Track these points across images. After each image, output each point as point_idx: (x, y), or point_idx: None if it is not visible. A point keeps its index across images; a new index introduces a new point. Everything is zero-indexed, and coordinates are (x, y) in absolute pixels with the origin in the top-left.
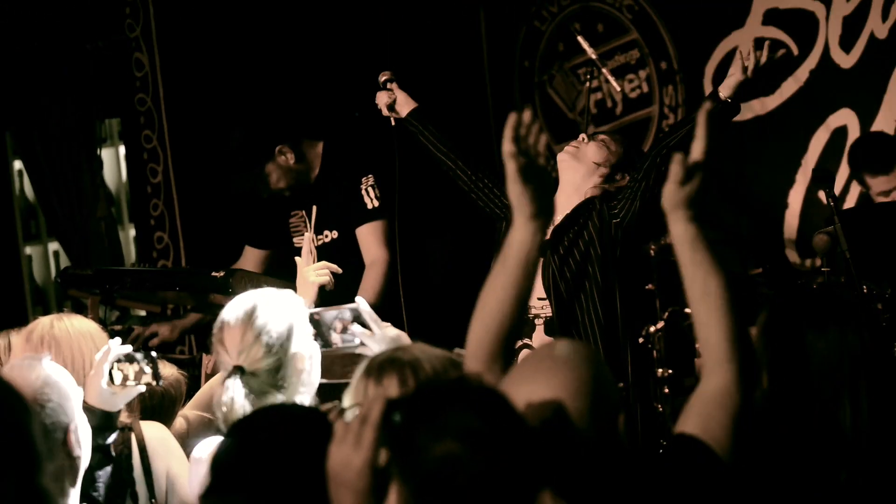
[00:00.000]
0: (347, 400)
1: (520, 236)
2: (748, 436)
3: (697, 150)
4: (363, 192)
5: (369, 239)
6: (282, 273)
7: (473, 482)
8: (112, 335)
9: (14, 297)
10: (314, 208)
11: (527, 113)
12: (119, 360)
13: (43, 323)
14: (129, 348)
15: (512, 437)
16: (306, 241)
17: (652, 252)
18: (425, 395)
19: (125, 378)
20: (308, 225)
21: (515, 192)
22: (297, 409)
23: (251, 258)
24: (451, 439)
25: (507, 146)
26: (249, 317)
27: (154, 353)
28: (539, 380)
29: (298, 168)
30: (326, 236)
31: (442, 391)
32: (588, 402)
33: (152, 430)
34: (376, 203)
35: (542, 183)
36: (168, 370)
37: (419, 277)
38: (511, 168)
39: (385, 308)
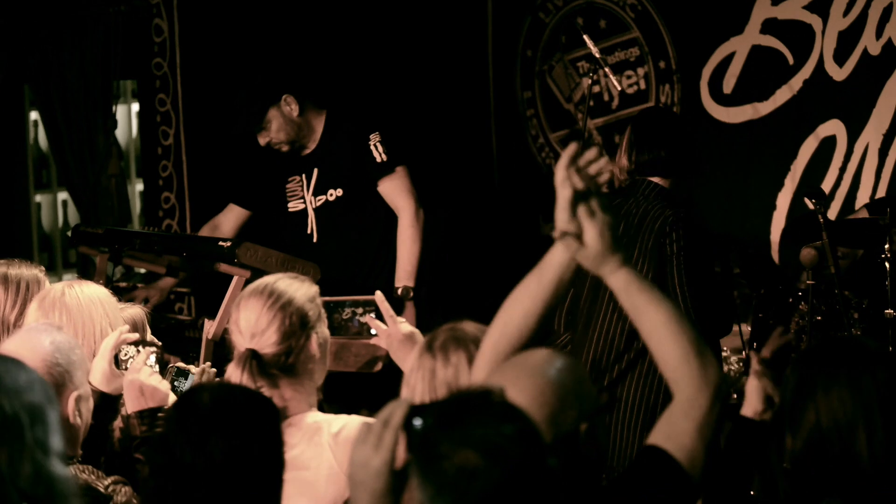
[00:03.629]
0: (408, 384)
1: (560, 258)
2: (716, 445)
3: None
4: (372, 147)
5: (391, 192)
6: (259, 238)
7: (487, 493)
8: (116, 292)
9: (21, 243)
10: (315, 171)
11: (593, 150)
12: (127, 347)
13: (55, 290)
14: (136, 336)
15: (528, 453)
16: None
17: None
18: (452, 403)
19: (130, 364)
20: (306, 189)
21: (562, 219)
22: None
23: (231, 216)
24: (471, 449)
25: (561, 173)
26: (265, 302)
27: (159, 343)
28: (507, 381)
29: (299, 123)
30: (331, 195)
31: (469, 402)
32: (546, 410)
33: None
34: (385, 157)
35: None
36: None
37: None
38: (563, 195)
39: (427, 255)
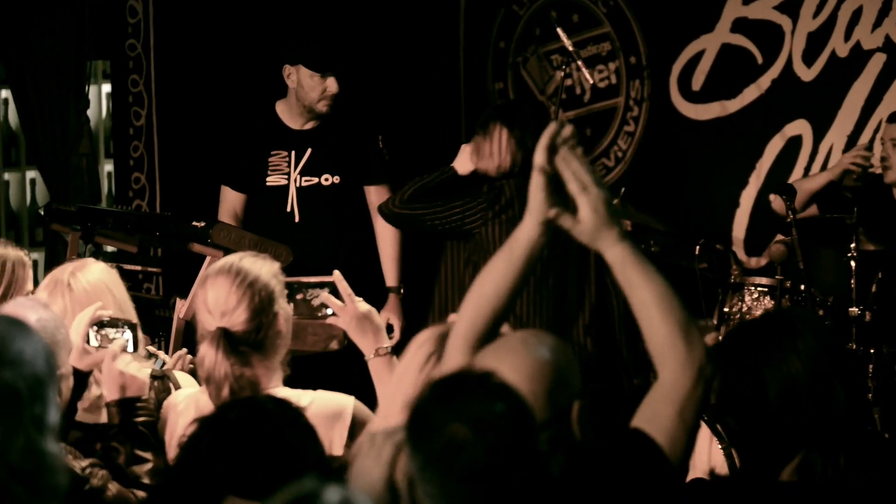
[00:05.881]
0: (415, 364)
1: (529, 235)
2: (695, 431)
3: (573, 183)
4: (382, 149)
5: (379, 195)
6: (255, 222)
7: (473, 467)
8: None
9: None
10: (308, 150)
11: (568, 127)
12: (101, 324)
13: (63, 271)
14: (111, 312)
15: (517, 432)
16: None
17: None
18: (451, 380)
19: (103, 342)
20: (292, 166)
21: (537, 199)
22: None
23: (230, 202)
24: (461, 423)
25: (541, 156)
26: (233, 280)
27: (136, 321)
28: (501, 360)
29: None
30: (325, 180)
31: (467, 379)
32: (543, 385)
33: None
34: (387, 160)
35: (565, 197)
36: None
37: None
38: (539, 179)
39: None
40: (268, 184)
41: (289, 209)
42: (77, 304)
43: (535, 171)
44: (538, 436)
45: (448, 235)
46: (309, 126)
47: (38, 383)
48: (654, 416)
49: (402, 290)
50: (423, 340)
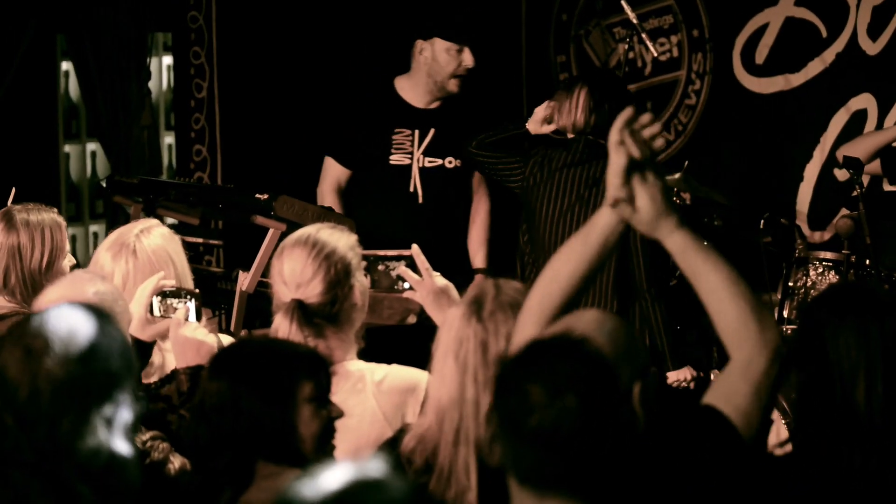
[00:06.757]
0: (458, 357)
1: (607, 220)
2: (772, 409)
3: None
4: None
5: (481, 179)
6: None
7: (541, 429)
8: None
9: (49, 193)
10: (432, 131)
11: (647, 115)
12: (164, 294)
13: (129, 234)
14: (174, 283)
15: (594, 398)
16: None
17: None
18: (545, 341)
19: (167, 311)
20: (416, 146)
21: (613, 184)
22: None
23: (334, 175)
24: (538, 384)
25: (615, 137)
26: (310, 252)
27: (197, 292)
28: (579, 325)
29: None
30: (449, 162)
31: (559, 342)
32: (621, 352)
33: None
34: None
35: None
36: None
37: None
38: (616, 161)
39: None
40: (391, 162)
41: (412, 189)
42: (139, 272)
43: (610, 153)
44: (621, 406)
45: (504, 185)
46: (434, 106)
47: (110, 381)
48: (730, 393)
49: (489, 273)
50: (455, 312)
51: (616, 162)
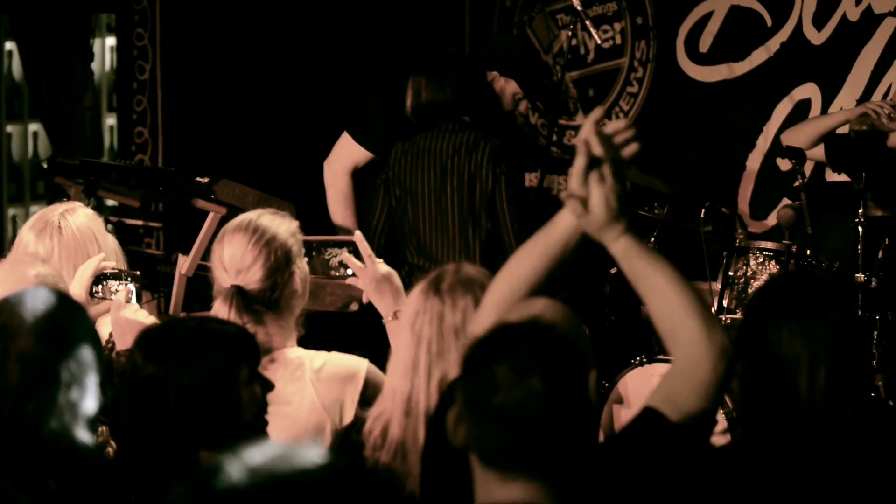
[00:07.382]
0: (413, 327)
1: (569, 222)
2: (715, 410)
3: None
4: None
5: None
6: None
7: (505, 408)
8: None
9: None
10: None
11: (622, 121)
12: (105, 276)
13: (53, 212)
14: (113, 264)
15: (558, 380)
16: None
17: None
18: (513, 324)
19: (106, 293)
20: None
21: (575, 183)
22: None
23: (353, 155)
24: (504, 364)
25: (583, 136)
26: (250, 238)
27: (137, 273)
28: (532, 312)
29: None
30: None
31: (526, 325)
32: (577, 340)
33: None
34: None
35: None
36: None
37: None
38: (579, 160)
39: None
40: None
41: None
42: (64, 250)
43: (577, 151)
44: (585, 388)
45: None
46: None
47: (79, 366)
48: (671, 396)
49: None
50: (416, 289)
51: (578, 162)
